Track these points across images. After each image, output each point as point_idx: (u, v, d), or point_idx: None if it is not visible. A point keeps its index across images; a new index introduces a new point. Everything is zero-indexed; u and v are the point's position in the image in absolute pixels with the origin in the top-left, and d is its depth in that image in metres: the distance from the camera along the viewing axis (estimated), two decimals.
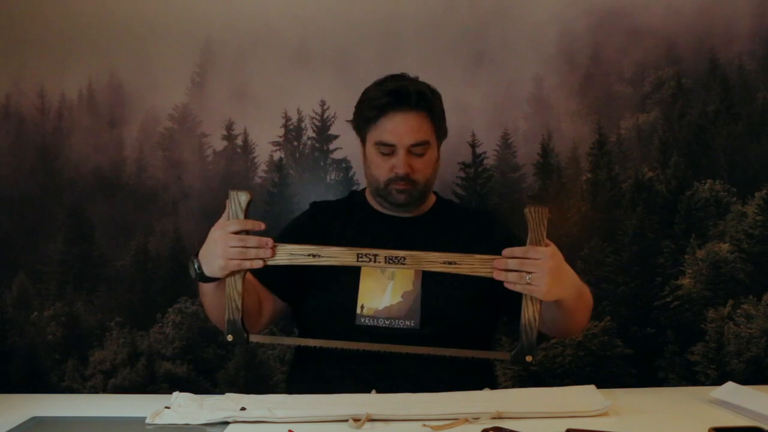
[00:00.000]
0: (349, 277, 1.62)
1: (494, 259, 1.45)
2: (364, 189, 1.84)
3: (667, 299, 2.47)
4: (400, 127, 1.64)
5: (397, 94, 1.64)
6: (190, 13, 2.48)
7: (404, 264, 1.48)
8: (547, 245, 1.45)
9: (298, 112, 2.51)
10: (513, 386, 2.37)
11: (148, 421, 1.35)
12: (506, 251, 1.44)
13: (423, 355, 1.56)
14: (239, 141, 2.52)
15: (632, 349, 2.46)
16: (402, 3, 2.47)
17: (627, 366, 2.46)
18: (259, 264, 1.48)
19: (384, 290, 1.63)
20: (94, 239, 2.53)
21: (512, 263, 1.43)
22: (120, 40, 2.48)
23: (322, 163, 2.53)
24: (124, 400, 1.67)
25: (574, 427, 1.23)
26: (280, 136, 2.52)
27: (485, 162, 2.49)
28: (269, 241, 1.47)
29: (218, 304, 1.55)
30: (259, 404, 1.39)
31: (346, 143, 2.49)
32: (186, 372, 2.50)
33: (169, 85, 2.50)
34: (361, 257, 1.47)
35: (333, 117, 2.50)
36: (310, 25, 2.47)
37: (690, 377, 2.45)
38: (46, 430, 1.37)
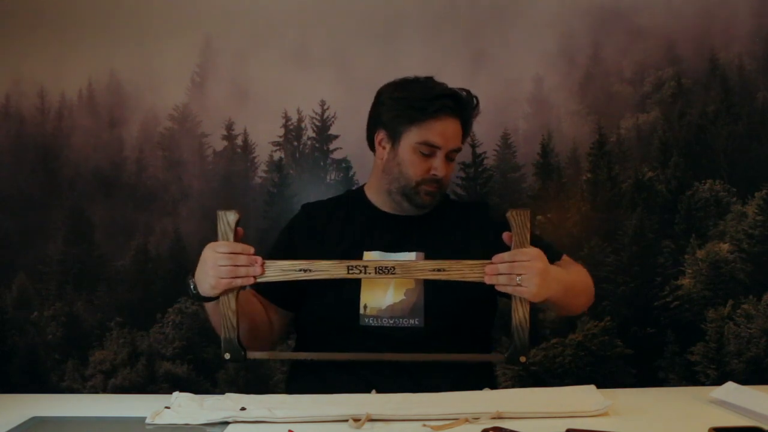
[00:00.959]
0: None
1: (483, 264, 1.47)
2: (362, 187, 1.82)
3: (667, 299, 2.47)
4: (448, 131, 1.66)
5: (456, 99, 1.67)
6: (190, 13, 2.48)
7: (394, 274, 1.49)
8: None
9: (298, 112, 2.51)
10: (513, 386, 2.37)
11: (148, 421, 1.35)
12: (496, 257, 1.47)
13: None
14: (239, 141, 2.52)
15: (632, 349, 2.46)
16: (402, 3, 2.47)
17: (627, 366, 2.46)
18: (250, 281, 1.49)
19: (386, 289, 1.63)
20: (94, 239, 2.53)
21: (502, 267, 1.46)
22: (120, 40, 2.48)
23: (322, 163, 2.52)
24: (124, 400, 1.67)
25: (574, 427, 1.23)
26: (280, 136, 2.51)
27: (485, 162, 2.49)
28: (258, 259, 1.48)
29: None
30: (259, 404, 1.39)
31: (346, 143, 2.49)
32: (186, 372, 2.50)
33: (169, 85, 2.50)
34: (351, 269, 1.49)
35: (333, 117, 2.50)
36: (310, 25, 2.48)
37: (690, 377, 2.45)
38: (46, 430, 1.37)
